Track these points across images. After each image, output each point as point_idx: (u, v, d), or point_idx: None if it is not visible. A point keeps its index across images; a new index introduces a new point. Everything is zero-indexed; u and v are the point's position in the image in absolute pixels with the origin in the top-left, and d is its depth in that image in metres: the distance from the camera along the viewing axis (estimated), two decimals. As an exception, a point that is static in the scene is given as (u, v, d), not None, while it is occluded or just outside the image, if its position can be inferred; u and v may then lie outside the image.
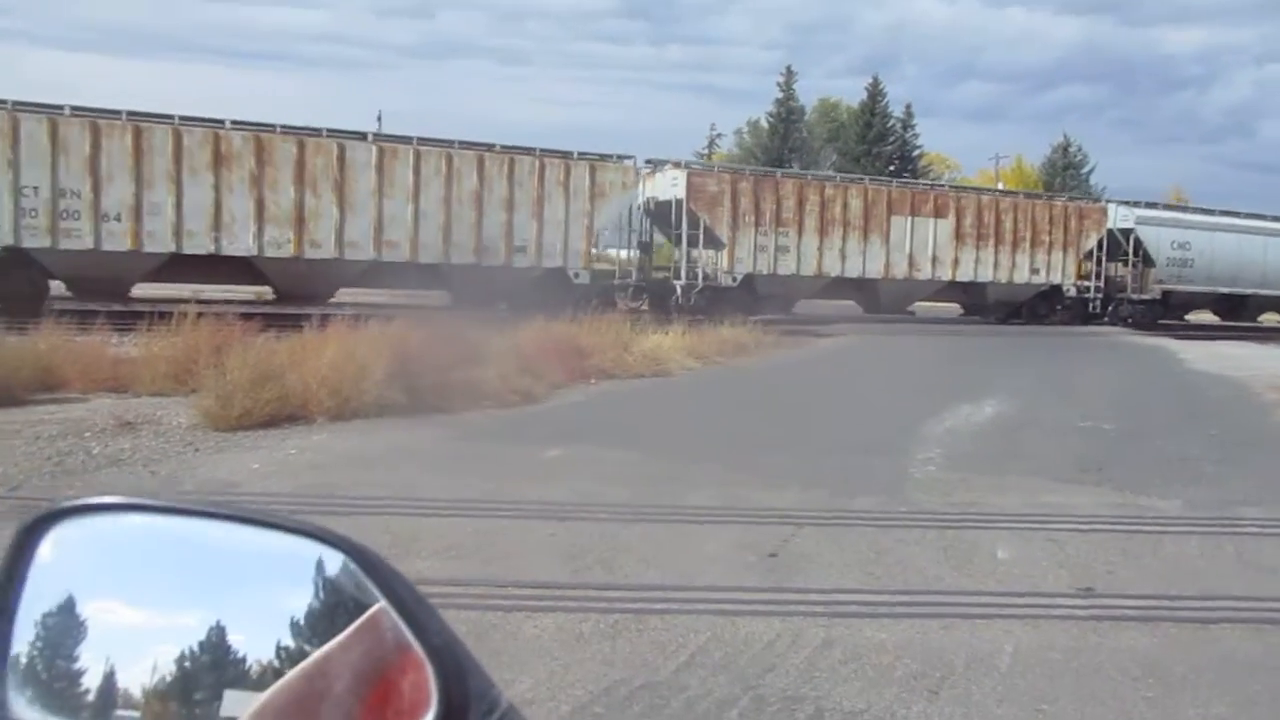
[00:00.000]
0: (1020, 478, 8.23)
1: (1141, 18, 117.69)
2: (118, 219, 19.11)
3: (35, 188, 18.41)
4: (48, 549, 0.92)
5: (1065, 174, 65.80)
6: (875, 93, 66.12)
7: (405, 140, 21.79)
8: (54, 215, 18.58)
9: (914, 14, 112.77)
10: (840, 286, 27.79)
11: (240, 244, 20.20)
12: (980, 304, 30.08)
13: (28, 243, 18.51)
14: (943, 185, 31.94)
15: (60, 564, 0.92)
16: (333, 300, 20.90)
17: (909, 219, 27.57)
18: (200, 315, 11.71)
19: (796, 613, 4.74)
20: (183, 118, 19.90)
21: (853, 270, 26.93)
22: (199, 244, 19.85)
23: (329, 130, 21.20)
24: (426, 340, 11.32)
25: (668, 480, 7.51)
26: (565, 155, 23.09)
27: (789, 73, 66.79)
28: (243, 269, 20.78)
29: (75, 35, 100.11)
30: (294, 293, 20.98)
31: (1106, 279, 31.46)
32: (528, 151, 22.79)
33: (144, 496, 1.02)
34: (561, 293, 21.13)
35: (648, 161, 25.54)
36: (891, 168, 62.29)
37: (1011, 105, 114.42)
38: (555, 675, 3.90)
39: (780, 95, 66.08)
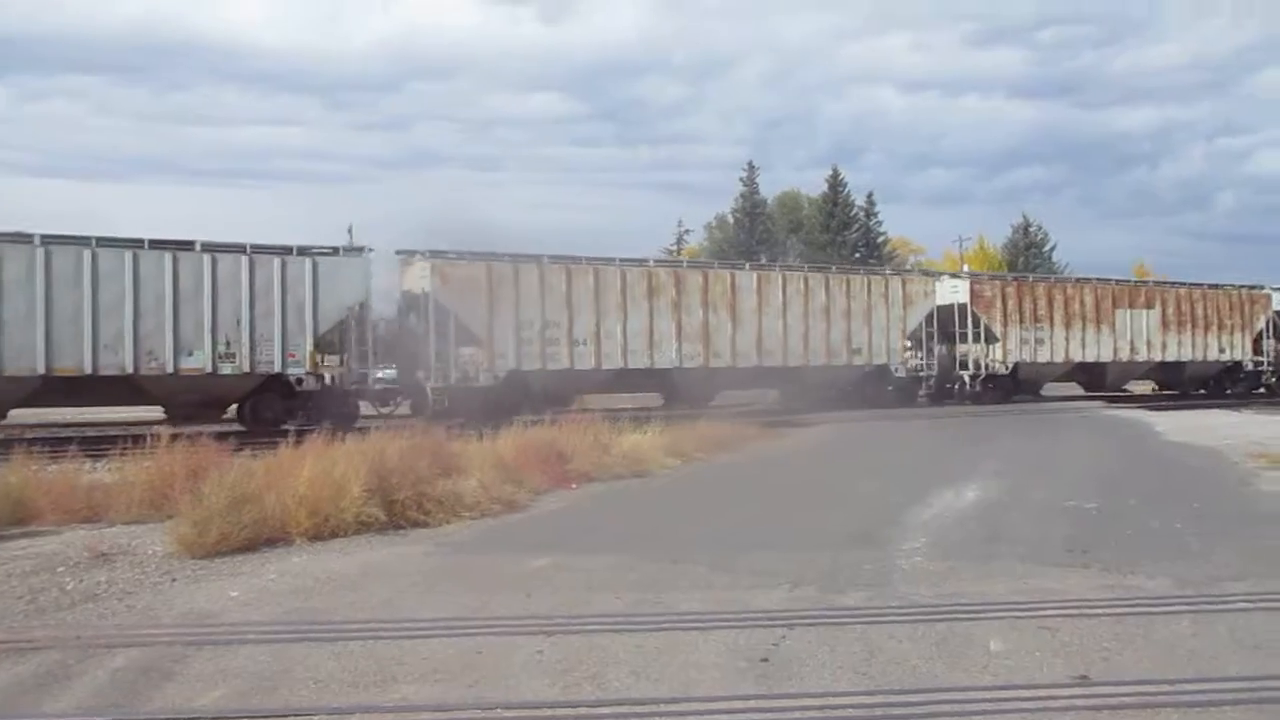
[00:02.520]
0: None
1: (1094, 100, 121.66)
2: (584, 343, 23.43)
3: (530, 321, 22.89)
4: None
5: (1028, 253, 67.15)
6: (835, 183, 67.71)
7: (770, 267, 28.93)
8: (544, 343, 23.01)
9: (874, 105, 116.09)
10: (1075, 371, 32.16)
11: (665, 358, 24.45)
12: (1178, 380, 34.48)
13: (525, 366, 22.84)
14: (1147, 282, 35.78)
15: None
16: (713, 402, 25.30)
17: (1128, 311, 32.24)
18: (174, 438, 11.60)
19: (792, 720, 4.65)
20: (622, 259, 24.91)
21: (1090, 356, 31.46)
22: (639, 360, 24.19)
23: (720, 262, 29.55)
24: (404, 453, 11.25)
25: (655, 586, 7.43)
26: (882, 272, 29.66)
27: (751, 168, 68.36)
28: (656, 378, 25.12)
29: (56, 164, 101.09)
30: (686, 396, 25.13)
31: (1276, 353, 35.75)
32: (855, 271, 29.64)
33: None
34: (883, 385, 27.51)
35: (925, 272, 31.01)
36: (857, 254, 63.39)
37: (973, 188, 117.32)
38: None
39: (744, 190, 67.44)
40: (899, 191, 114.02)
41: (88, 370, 18.66)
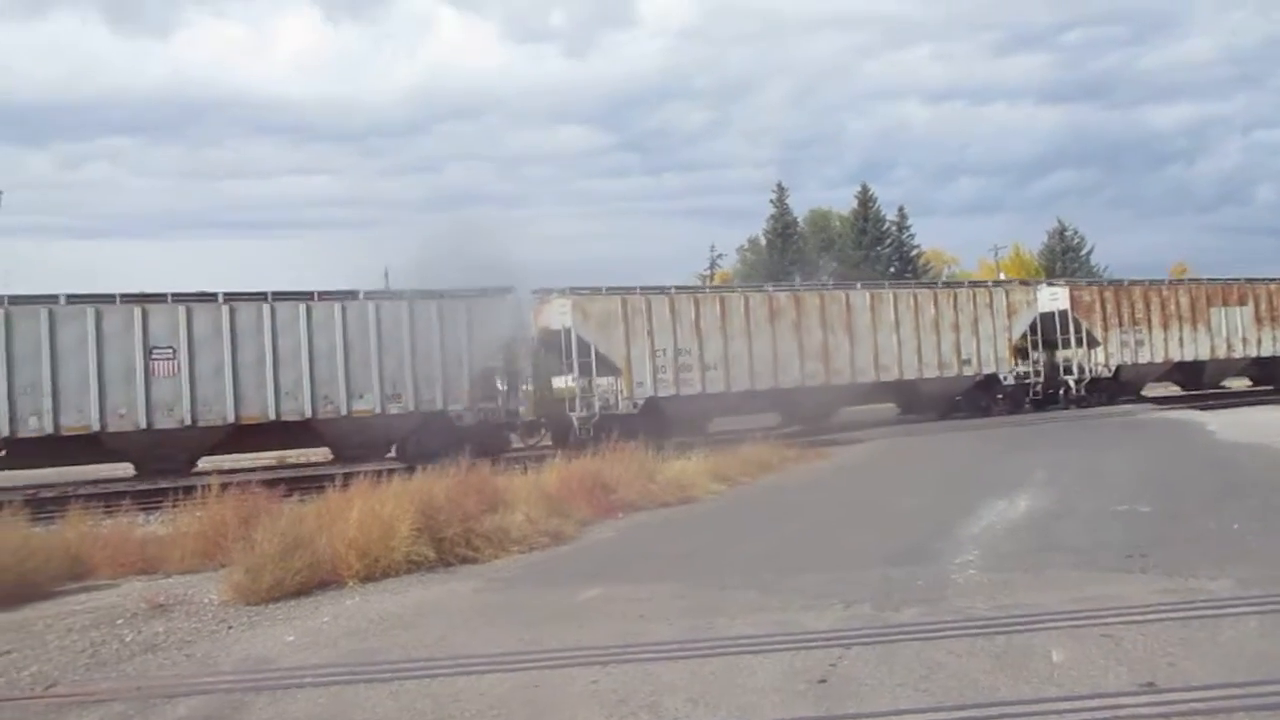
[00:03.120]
0: None
1: (1124, 100, 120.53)
2: (714, 368, 24.29)
3: (664, 349, 23.85)
4: None
5: (1065, 257, 66.46)
6: (865, 199, 67.49)
7: (879, 285, 29.44)
8: (677, 369, 23.97)
9: (900, 119, 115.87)
10: (1173, 370, 32.58)
11: (789, 378, 25.28)
12: (1273, 375, 34.00)
13: (661, 393, 23.76)
14: (1239, 279, 34.53)
15: None
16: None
17: (1222, 309, 32.45)
18: (225, 486, 11.75)
19: (855, 741, 4.60)
20: (743, 286, 26.22)
21: (1188, 355, 31.75)
22: (764, 381, 24.88)
23: (834, 284, 29.83)
24: (450, 490, 11.30)
25: (706, 611, 7.39)
26: (986, 284, 30.11)
27: (780, 189, 68.34)
28: (781, 398, 25.74)
29: (97, 225, 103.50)
30: (808, 414, 26.35)
31: None
32: (958, 285, 30.49)
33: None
34: (993, 393, 28.56)
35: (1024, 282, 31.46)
36: (891, 269, 63.08)
37: (1005, 196, 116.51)
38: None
39: (774, 211, 67.41)
40: (931, 203, 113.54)
41: (271, 417, 19.92)
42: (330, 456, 22.04)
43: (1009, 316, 28.91)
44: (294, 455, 23.64)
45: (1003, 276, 50.00)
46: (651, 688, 5.60)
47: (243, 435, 20.21)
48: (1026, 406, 29.34)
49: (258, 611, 8.33)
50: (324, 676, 6.26)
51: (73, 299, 18.92)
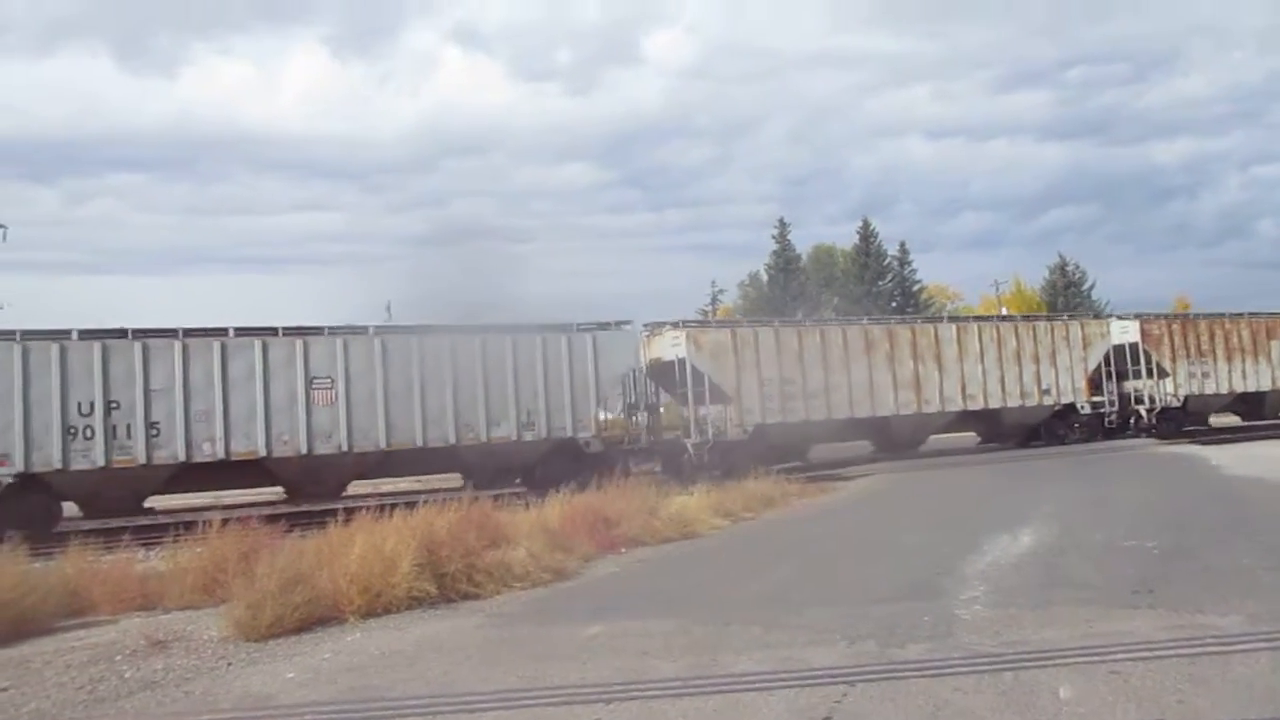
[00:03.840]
0: None
1: (1123, 137, 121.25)
2: (816, 396, 25.49)
3: (771, 379, 25.03)
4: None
5: (1066, 293, 66.56)
6: (866, 234, 67.74)
7: (964, 319, 31.06)
8: (783, 398, 25.08)
9: (901, 156, 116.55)
10: (1235, 401, 33.29)
11: (884, 406, 26.56)
12: None
13: (768, 420, 24.87)
14: None
15: None
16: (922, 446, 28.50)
17: None
18: (225, 522, 11.70)
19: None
20: (838, 319, 28.52)
21: (1250, 385, 32.61)
22: (862, 409, 26.16)
23: (922, 318, 31.73)
24: (452, 525, 11.25)
25: (710, 648, 7.33)
26: (1062, 318, 31.93)
27: (782, 224, 68.61)
28: (875, 426, 27.14)
29: (102, 261, 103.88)
30: (901, 441, 27.81)
31: None
32: (1037, 318, 31.78)
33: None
34: (1070, 422, 29.72)
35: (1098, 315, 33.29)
36: (893, 304, 63.20)
37: (1006, 231, 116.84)
38: None
39: (776, 247, 67.63)
40: (933, 238, 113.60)
41: (419, 444, 20.83)
42: (460, 483, 22.46)
43: (1084, 348, 30.16)
44: (434, 480, 24.02)
45: (1005, 311, 50.07)
46: (655, 725, 5.54)
47: (391, 461, 21.11)
48: (1098, 435, 30.41)
49: (258, 648, 8.27)
50: (325, 713, 6.20)
51: (241, 331, 19.89)
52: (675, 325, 25.36)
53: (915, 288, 67.77)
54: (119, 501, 19.07)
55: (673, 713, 5.77)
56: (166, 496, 20.56)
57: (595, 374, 22.62)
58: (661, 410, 25.95)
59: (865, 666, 6.52)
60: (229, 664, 7.80)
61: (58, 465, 18.13)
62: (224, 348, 19.49)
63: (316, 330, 20.53)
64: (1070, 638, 7.01)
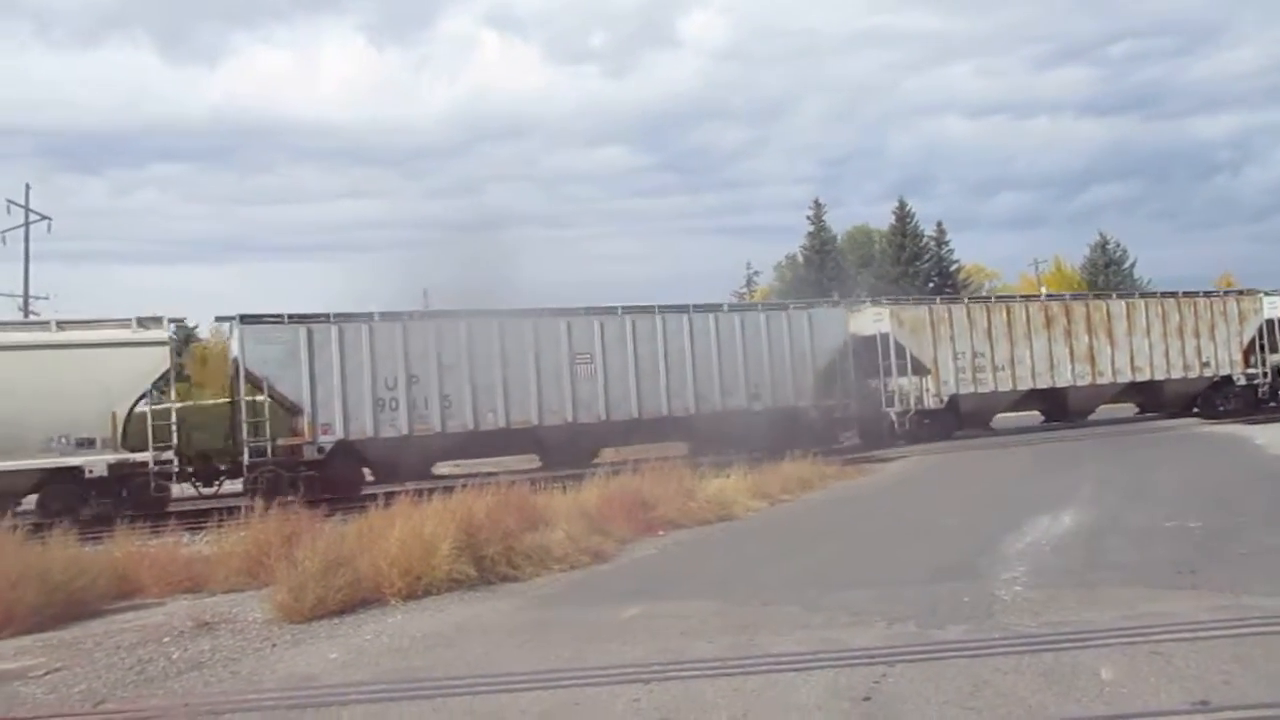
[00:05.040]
0: None
1: (1166, 112, 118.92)
2: (1002, 368, 27.68)
3: (963, 352, 27.24)
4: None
5: (1107, 271, 65.60)
6: (903, 214, 67.05)
7: (1131, 295, 32.71)
8: (974, 369, 27.30)
9: (941, 134, 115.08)
10: None
11: (1063, 377, 28.44)
12: None
13: (963, 390, 27.12)
14: None
15: None
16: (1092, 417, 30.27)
17: None
18: (267, 508, 11.87)
19: (901, 759, 4.53)
20: (1022, 296, 30.72)
21: None
22: (1043, 380, 28.22)
23: (1094, 294, 33.57)
24: (490, 509, 11.33)
25: (748, 629, 7.35)
26: (1219, 293, 33.28)
27: (818, 205, 68.06)
28: (1051, 397, 28.99)
29: (145, 250, 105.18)
30: (1068, 411, 29.46)
31: None
32: (1197, 294, 32.00)
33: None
34: (1227, 392, 30.98)
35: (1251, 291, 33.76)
36: (930, 284, 62.60)
37: (1046, 210, 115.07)
38: None
39: (811, 229, 67.17)
40: (972, 217, 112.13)
41: (664, 413, 23.14)
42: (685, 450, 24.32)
43: (1240, 323, 31.45)
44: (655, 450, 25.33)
45: (1044, 291, 49.50)
46: (695, 705, 5.57)
47: (639, 429, 22.94)
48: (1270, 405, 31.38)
49: (301, 630, 8.39)
50: (367, 694, 6.29)
51: (514, 313, 22.34)
52: (876, 302, 28.52)
53: (953, 267, 67.09)
54: (413, 468, 20.88)
55: (711, 693, 5.79)
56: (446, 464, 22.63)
57: (811, 348, 24.80)
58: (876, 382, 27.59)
59: (905, 647, 6.50)
60: (273, 645, 7.92)
61: (369, 434, 20.33)
62: (501, 326, 21.76)
63: (575, 310, 22.89)
64: (1112, 618, 6.94)
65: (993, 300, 29.15)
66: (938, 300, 28.47)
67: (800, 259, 68.61)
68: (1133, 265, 67.96)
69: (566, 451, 22.35)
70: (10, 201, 39.30)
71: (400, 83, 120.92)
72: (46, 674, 7.24)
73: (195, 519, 16.24)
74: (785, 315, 24.95)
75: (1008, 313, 28.26)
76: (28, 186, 48.55)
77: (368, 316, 20.93)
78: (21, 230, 39.14)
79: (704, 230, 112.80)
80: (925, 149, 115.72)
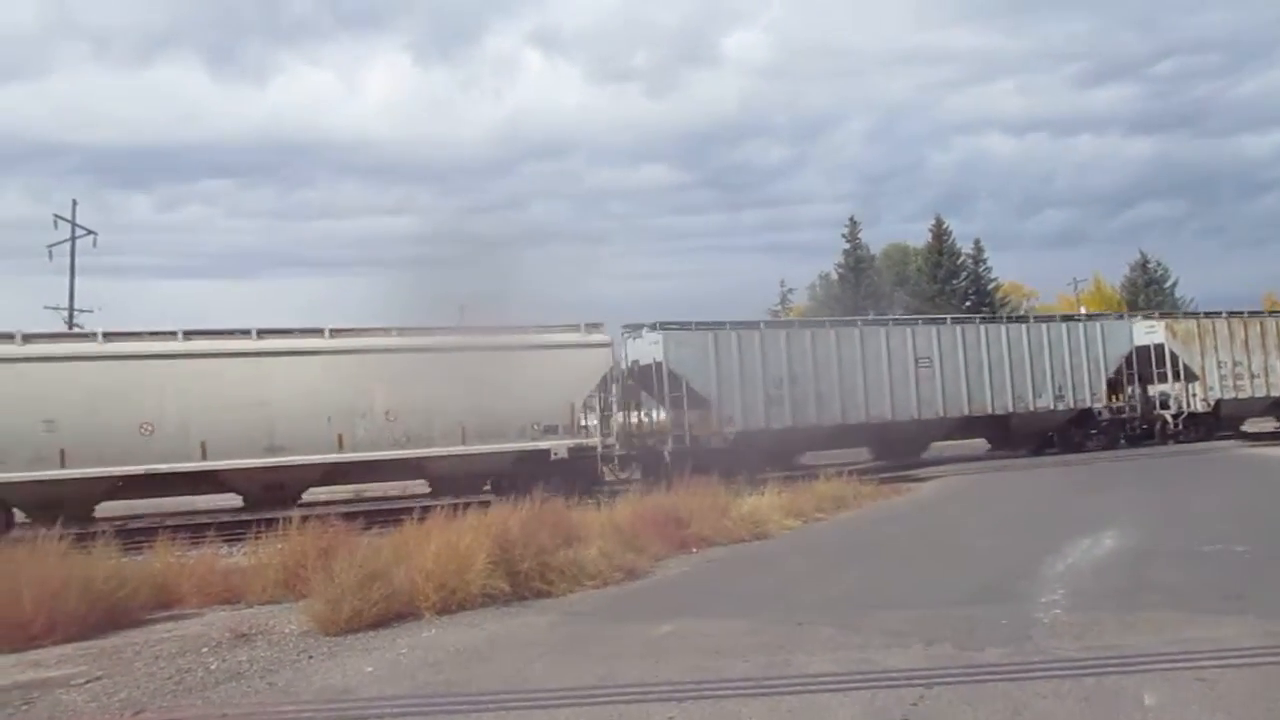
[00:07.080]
0: None
1: (1214, 129, 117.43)
2: (1256, 377, 30.31)
3: (1224, 361, 29.90)
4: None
5: (1148, 290, 64.83)
6: (940, 232, 66.62)
7: (1262, 314, 33.30)
8: (1234, 377, 29.98)
9: (982, 152, 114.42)
10: None
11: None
12: None
13: (1225, 395, 29.91)
14: None
15: None
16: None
17: None
18: (305, 519, 11.96)
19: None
20: (1229, 312, 31.36)
21: None
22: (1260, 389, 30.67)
23: (1248, 312, 32.73)
24: (525, 524, 11.35)
25: (783, 648, 7.30)
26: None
27: (853, 223, 67.79)
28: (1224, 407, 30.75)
29: (188, 265, 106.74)
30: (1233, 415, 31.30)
31: None
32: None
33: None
34: None
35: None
36: (967, 303, 62.11)
37: (1087, 228, 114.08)
38: None
39: (847, 246, 66.90)
40: (1012, 236, 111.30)
41: (988, 410, 26.54)
42: (988, 445, 29.52)
43: None
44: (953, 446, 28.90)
45: (1083, 310, 48.98)
46: (729, 724, 5.53)
47: (970, 425, 26.93)
48: None
49: (337, 642, 8.44)
50: (402, 707, 6.31)
51: (868, 322, 27.35)
52: (1150, 314, 32.48)
53: (990, 285, 66.55)
54: (786, 457, 24.54)
55: (745, 713, 5.75)
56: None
57: (1104, 355, 28.19)
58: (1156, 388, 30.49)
59: (942, 669, 6.43)
60: (310, 657, 7.97)
61: (762, 425, 23.39)
62: (861, 334, 25.20)
63: (912, 320, 27.42)
64: (1155, 643, 6.83)
65: (1247, 315, 31.33)
66: (1202, 315, 31.15)
67: (835, 277, 68.36)
68: (1174, 284, 67.20)
69: (915, 444, 26.47)
70: (57, 216, 40.02)
71: (445, 101, 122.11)
72: (88, 682, 7.33)
73: (233, 530, 16.37)
74: (1082, 326, 28.52)
75: (1261, 327, 30.72)
76: (74, 202, 49.28)
77: (755, 324, 24.70)
78: (68, 245, 39.78)
79: (743, 248, 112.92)
80: (965, 166, 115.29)
